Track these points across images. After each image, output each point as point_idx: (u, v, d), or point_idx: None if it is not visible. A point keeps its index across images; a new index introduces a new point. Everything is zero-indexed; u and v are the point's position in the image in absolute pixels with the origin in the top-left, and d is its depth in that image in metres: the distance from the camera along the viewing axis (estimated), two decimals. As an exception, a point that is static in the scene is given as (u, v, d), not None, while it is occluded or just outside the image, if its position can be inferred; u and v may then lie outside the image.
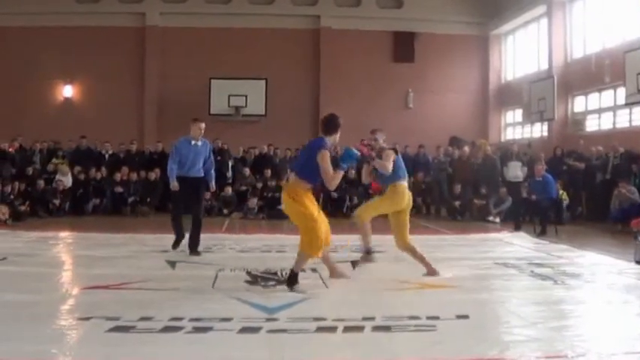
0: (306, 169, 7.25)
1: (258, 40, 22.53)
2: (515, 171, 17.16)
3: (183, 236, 10.00)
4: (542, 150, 18.34)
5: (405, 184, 8.25)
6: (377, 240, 11.94)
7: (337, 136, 7.52)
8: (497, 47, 23.93)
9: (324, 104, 22.72)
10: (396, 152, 8.34)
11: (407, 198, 8.16)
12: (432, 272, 8.11)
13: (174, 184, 9.87)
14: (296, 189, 7.23)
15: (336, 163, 7.18)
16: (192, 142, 10.04)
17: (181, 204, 10.19)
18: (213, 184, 10.37)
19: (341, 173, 7.24)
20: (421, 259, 8.26)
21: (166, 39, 22.70)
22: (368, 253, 8.33)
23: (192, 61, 22.28)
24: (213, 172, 10.29)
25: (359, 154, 7.62)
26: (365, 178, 8.91)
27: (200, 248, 9.84)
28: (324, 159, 7.08)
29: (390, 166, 7.96)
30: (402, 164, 8.34)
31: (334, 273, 7.81)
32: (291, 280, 7.06)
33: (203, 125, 10.17)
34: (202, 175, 10.04)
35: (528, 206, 14.57)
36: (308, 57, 23.16)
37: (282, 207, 7.53)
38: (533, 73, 21.54)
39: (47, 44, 21.65)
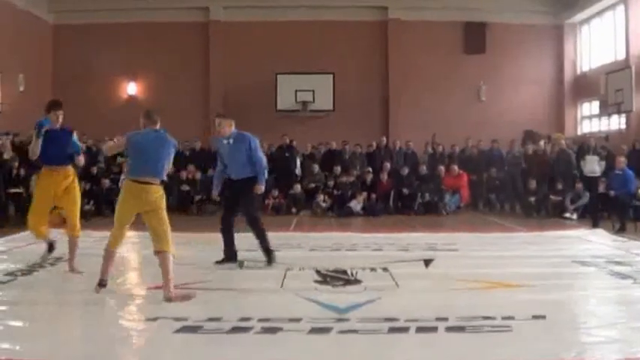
0: None
1: (324, 33, 22.35)
2: (593, 165, 16.73)
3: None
4: (620, 143, 17.77)
5: (132, 180, 6.90)
6: (448, 238, 11.90)
7: (59, 114, 8.05)
8: (572, 37, 23.26)
9: (393, 98, 22.56)
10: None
11: (133, 198, 6.91)
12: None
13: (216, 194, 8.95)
14: None
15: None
16: (225, 141, 8.85)
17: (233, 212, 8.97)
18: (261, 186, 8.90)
19: (37, 141, 7.82)
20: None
21: (230, 34, 22.63)
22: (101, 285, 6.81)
23: (257, 56, 22.16)
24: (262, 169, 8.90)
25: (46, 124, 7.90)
26: None
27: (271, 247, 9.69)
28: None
29: (110, 148, 7.34)
30: (145, 149, 6.86)
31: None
32: None
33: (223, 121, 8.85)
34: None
35: (606, 202, 14.15)
36: (376, 50, 22.83)
37: None
38: (610, 63, 20.86)
39: (110, 41, 21.84)
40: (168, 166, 7.08)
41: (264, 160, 8.94)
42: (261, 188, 8.83)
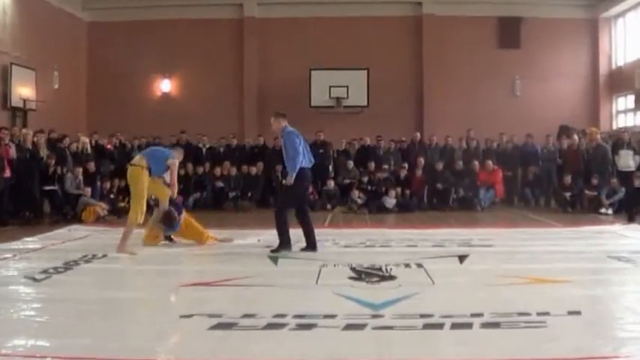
0: None
1: (358, 29, 22.32)
2: (627, 160, 16.58)
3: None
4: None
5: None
6: (483, 233, 11.87)
7: None
8: (607, 31, 22.99)
9: (428, 93, 22.50)
10: None
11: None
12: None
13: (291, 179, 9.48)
14: None
15: None
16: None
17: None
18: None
19: None
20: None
21: (264, 30, 22.73)
22: None
23: (292, 53, 22.25)
24: None
25: None
26: None
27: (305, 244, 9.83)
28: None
29: None
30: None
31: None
32: None
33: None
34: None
35: (642, 197, 14.03)
36: (410, 45, 22.78)
37: None
38: (646, 57, 20.66)
39: (144, 39, 22.00)
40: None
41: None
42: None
